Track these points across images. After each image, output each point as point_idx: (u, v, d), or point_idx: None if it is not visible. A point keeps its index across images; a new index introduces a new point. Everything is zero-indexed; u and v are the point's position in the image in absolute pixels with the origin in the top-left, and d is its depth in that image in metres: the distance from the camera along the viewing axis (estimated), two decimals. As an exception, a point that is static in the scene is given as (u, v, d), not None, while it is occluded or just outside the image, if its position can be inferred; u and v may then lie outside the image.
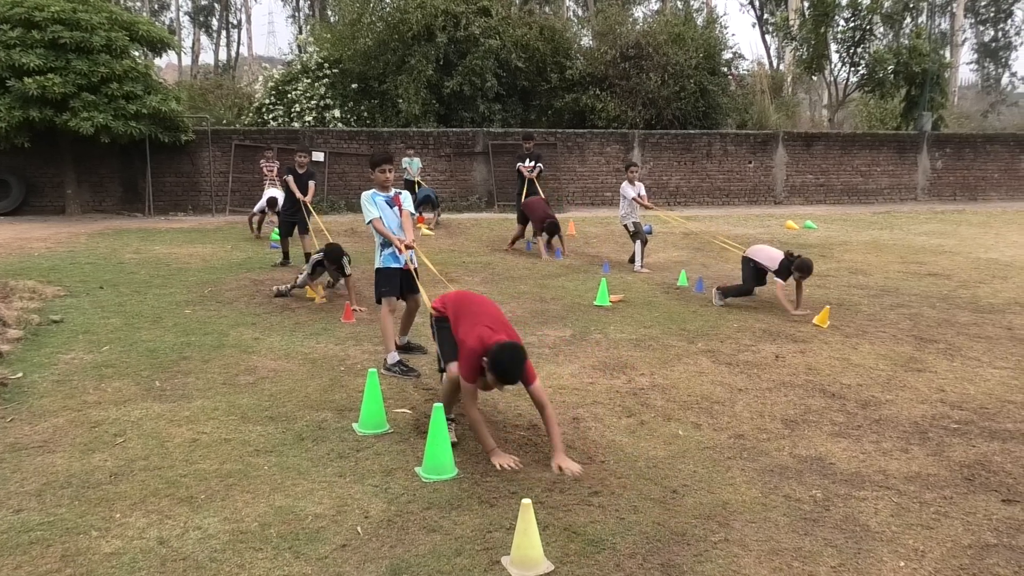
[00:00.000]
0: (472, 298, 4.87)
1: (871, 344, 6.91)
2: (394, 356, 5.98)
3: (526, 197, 13.13)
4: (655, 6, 41.88)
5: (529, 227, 12.41)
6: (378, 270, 6.10)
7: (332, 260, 8.35)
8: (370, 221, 5.98)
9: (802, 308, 8.14)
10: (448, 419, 4.59)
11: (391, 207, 6.06)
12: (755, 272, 8.39)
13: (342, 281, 8.64)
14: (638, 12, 37.41)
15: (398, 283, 6.09)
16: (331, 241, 8.54)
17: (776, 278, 8.15)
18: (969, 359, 6.46)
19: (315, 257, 8.58)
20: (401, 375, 5.85)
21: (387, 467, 4.26)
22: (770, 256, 8.30)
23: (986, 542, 3.52)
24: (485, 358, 4.15)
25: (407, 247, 5.96)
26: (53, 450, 4.44)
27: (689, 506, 3.82)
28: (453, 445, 4.43)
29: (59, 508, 3.76)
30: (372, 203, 6.01)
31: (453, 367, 4.48)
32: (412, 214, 6.22)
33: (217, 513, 3.72)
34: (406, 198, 6.21)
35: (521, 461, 4.27)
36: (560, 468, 4.12)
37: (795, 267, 8.00)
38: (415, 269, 6.07)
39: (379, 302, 6.11)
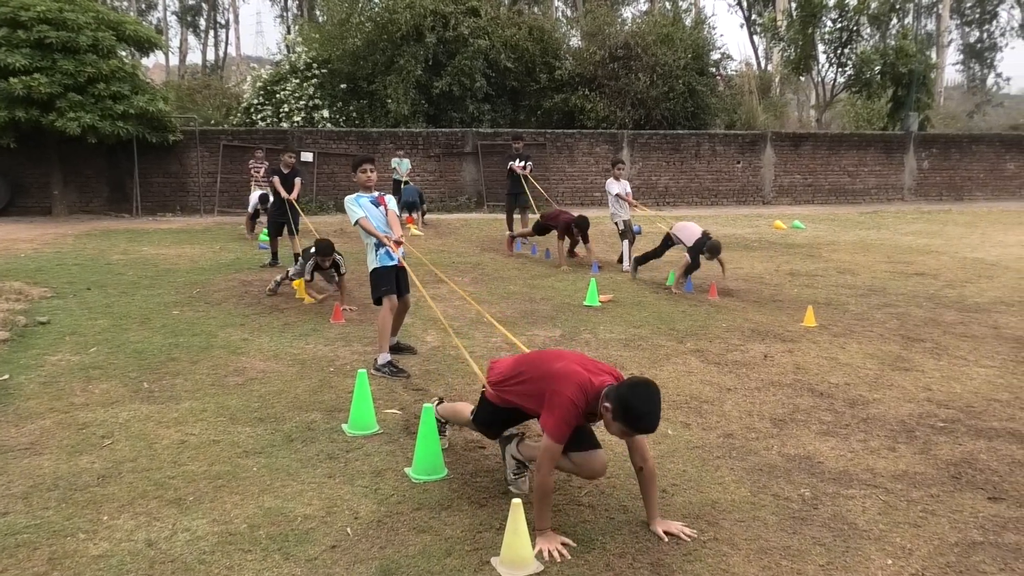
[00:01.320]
0: (540, 352, 4.05)
1: (859, 343, 6.95)
2: (386, 356, 5.97)
3: (523, 202, 13.18)
4: (644, 7, 41.99)
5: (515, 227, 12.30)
6: (374, 271, 6.08)
7: (324, 253, 8.16)
8: (357, 221, 5.97)
9: (725, 277, 9.44)
10: (440, 421, 4.56)
11: (376, 207, 6.07)
12: (666, 242, 9.62)
13: (336, 280, 8.62)
14: (627, 13, 37.55)
15: (395, 281, 6.09)
16: (320, 238, 8.47)
17: (687, 255, 9.03)
18: (955, 358, 6.50)
19: (309, 260, 8.33)
20: (391, 376, 5.84)
21: (377, 468, 4.25)
22: (689, 233, 9.20)
23: (972, 540, 3.55)
24: (607, 404, 3.34)
25: (397, 243, 5.97)
26: (40, 452, 4.41)
27: (678, 505, 3.83)
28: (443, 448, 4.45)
29: (46, 511, 3.73)
30: (356, 204, 6.01)
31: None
32: (397, 214, 6.25)
33: (206, 515, 3.70)
34: (390, 200, 6.24)
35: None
36: (667, 534, 3.51)
37: (706, 248, 8.85)
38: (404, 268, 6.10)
39: (377, 303, 6.10)
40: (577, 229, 11.01)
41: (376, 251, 6.04)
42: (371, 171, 6.14)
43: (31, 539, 3.47)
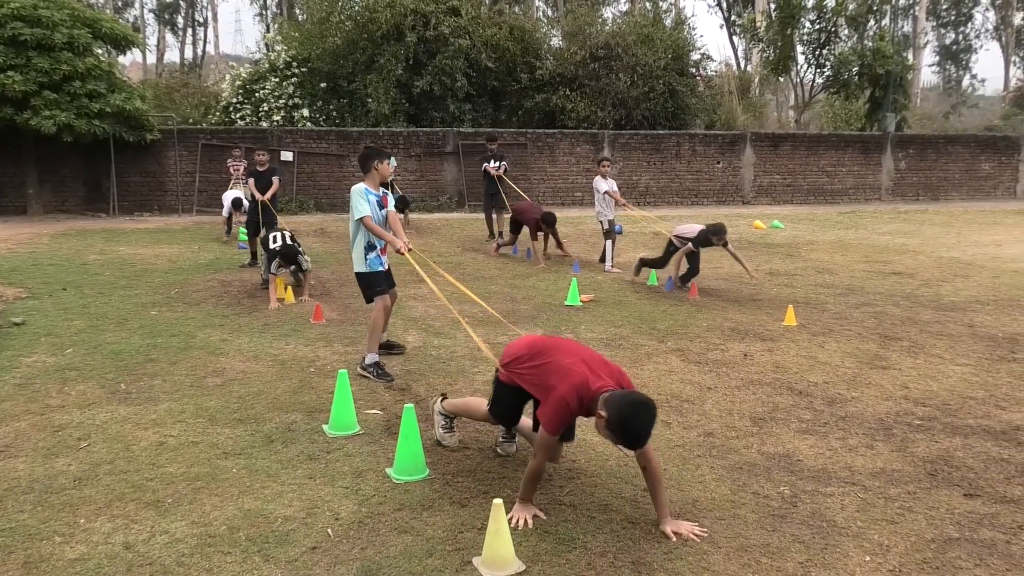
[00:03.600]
0: (552, 339, 4.14)
1: (837, 342, 7.01)
2: (373, 357, 5.91)
3: (495, 201, 13.18)
4: (624, 7, 42.14)
5: (509, 231, 12.26)
6: (361, 275, 5.99)
7: (288, 261, 8.55)
8: (360, 218, 5.78)
9: (754, 273, 9.50)
10: (447, 416, 4.55)
11: (380, 208, 5.94)
12: (669, 247, 9.47)
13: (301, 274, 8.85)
14: (607, 13, 37.62)
15: (385, 282, 6.05)
16: (281, 245, 8.55)
17: (689, 244, 9.09)
18: (932, 356, 6.58)
19: (275, 258, 8.50)
20: (376, 378, 5.80)
21: (358, 468, 4.23)
22: (691, 228, 9.27)
23: (949, 536, 3.59)
24: (603, 412, 3.38)
25: (409, 250, 5.80)
26: (15, 455, 4.36)
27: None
28: (455, 448, 4.47)
29: (21, 514, 3.68)
30: (364, 199, 5.80)
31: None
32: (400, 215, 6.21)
33: (184, 517, 3.67)
34: (391, 199, 6.16)
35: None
36: (676, 534, 3.52)
37: (709, 231, 8.89)
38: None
39: (370, 302, 6.06)
40: (544, 226, 11.13)
41: (367, 254, 5.92)
42: (388, 163, 6.05)
43: (6, 543, 3.42)
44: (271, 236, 8.82)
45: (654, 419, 3.39)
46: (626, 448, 3.48)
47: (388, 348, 6.38)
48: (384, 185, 6.12)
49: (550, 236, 11.42)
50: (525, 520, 3.60)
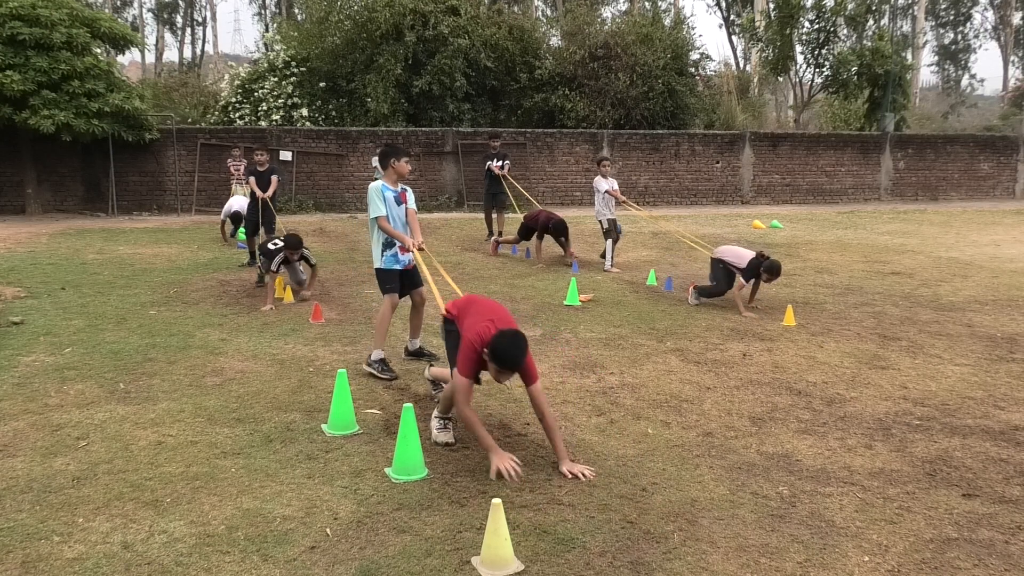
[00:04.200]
0: (479, 300, 4.81)
1: (836, 342, 7.01)
2: (379, 353, 5.90)
3: (495, 201, 13.20)
4: (623, 7, 42.16)
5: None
6: (377, 271, 5.99)
7: (293, 247, 8.26)
8: (376, 217, 5.77)
9: (752, 308, 8.22)
10: (445, 418, 4.59)
11: (399, 204, 5.90)
12: (725, 272, 8.40)
13: (305, 277, 8.73)
14: (606, 12, 37.65)
15: (399, 282, 6.00)
16: (289, 232, 8.46)
17: (740, 277, 8.19)
18: (931, 356, 6.58)
19: (278, 254, 8.33)
20: (380, 373, 5.79)
21: (356, 468, 4.23)
22: (738, 255, 8.33)
23: (947, 536, 3.59)
24: (486, 348, 4.09)
25: (419, 248, 5.81)
26: (13, 454, 4.35)
27: (658, 504, 3.85)
28: (449, 445, 4.48)
29: (19, 513, 3.68)
30: (381, 198, 5.78)
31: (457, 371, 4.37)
32: (415, 211, 6.11)
33: (183, 516, 3.67)
34: (411, 196, 6.07)
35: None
36: (571, 474, 4.09)
37: (764, 268, 8.00)
38: (414, 266, 6.03)
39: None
40: (554, 232, 11.13)
41: (384, 251, 5.89)
42: (407, 162, 5.98)
43: (4, 542, 3.42)
44: (271, 243, 8.65)
45: (521, 344, 4.10)
46: (503, 369, 4.10)
47: (418, 355, 6.28)
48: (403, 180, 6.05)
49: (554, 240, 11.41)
50: (511, 468, 4.02)
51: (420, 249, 5.83)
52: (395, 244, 5.87)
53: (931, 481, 4.17)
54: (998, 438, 4.77)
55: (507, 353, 4.07)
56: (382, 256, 5.92)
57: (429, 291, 6.11)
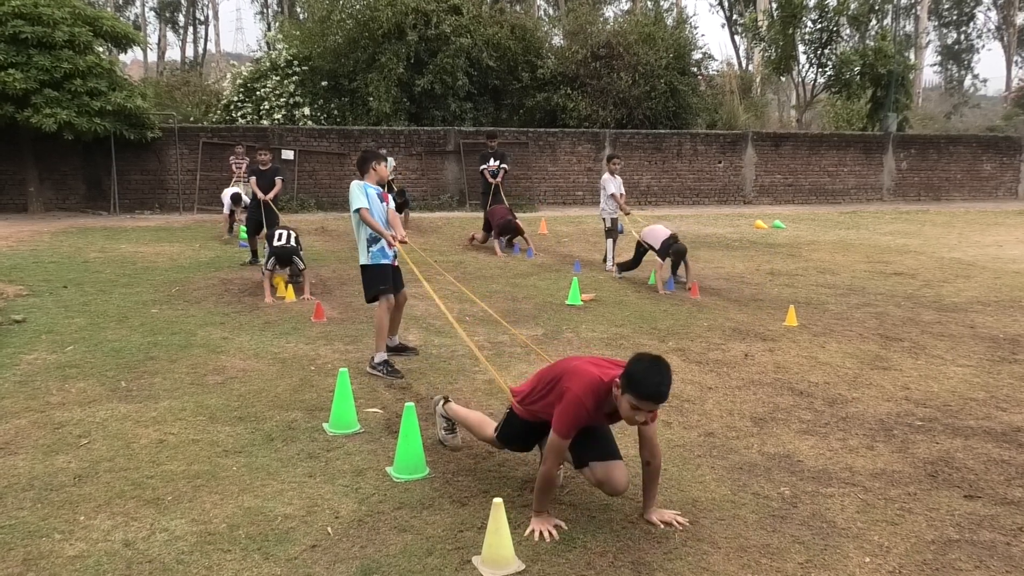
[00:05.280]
0: (558, 364, 3.86)
1: (838, 343, 7.01)
2: (382, 356, 5.91)
3: (491, 204, 13.25)
4: (626, 6, 42.13)
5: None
6: (366, 267, 5.97)
7: (283, 263, 8.73)
8: (357, 209, 5.81)
9: (690, 281, 9.31)
10: (447, 418, 4.53)
11: (381, 201, 5.97)
12: (642, 252, 9.74)
13: (301, 277, 8.91)
14: (609, 12, 37.62)
15: (391, 279, 6.00)
16: (282, 244, 8.69)
17: (656, 257, 9.28)
18: (933, 357, 6.57)
19: (271, 251, 8.68)
20: (386, 375, 5.79)
21: (358, 467, 4.23)
22: (656, 236, 9.42)
23: (949, 537, 3.58)
24: (616, 382, 3.36)
25: (401, 242, 5.88)
26: (15, 452, 4.36)
27: (659, 504, 3.84)
28: (456, 448, 4.46)
29: (21, 511, 3.68)
30: (363, 192, 5.85)
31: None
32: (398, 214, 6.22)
33: (184, 515, 3.67)
34: (390, 199, 6.21)
35: (491, 456, 4.21)
36: (663, 523, 3.62)
37: (672, 251, 9.12)
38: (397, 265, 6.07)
39: (371, 300, 6.04)
40: (500, 234, 12.17)
41: (369, 247, 5.90)
42: (385, 165, 6.14)
43: (6, 540, 3.42)
44: (276, 233, 8.96)
45: (665, 366, 3.31)
46: (649, 404, 3.32)
47: (399, 351, 6.31)
48: (381, 186, 6.13)
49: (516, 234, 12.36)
50: (548, 532, 3.48)
51: (403, 242, 5.90)
52: (381, 238, 5.90)
53: (933, 482, 4.16)
54: (1000, 439, 4.76)
55: (648, 377, 3.28)
56: (368, 251, 5.92)
57: (429, 295, 6.12)
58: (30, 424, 4.77)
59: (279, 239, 8.77)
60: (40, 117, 14.99)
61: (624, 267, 10.18)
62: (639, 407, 3.31)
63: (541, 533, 3.48)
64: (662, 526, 3.59)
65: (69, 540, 3.44)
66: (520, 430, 3.90)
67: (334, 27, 21.56)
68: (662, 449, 4.42)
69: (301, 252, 8.88)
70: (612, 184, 10.64)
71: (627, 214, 10.90)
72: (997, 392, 5.67)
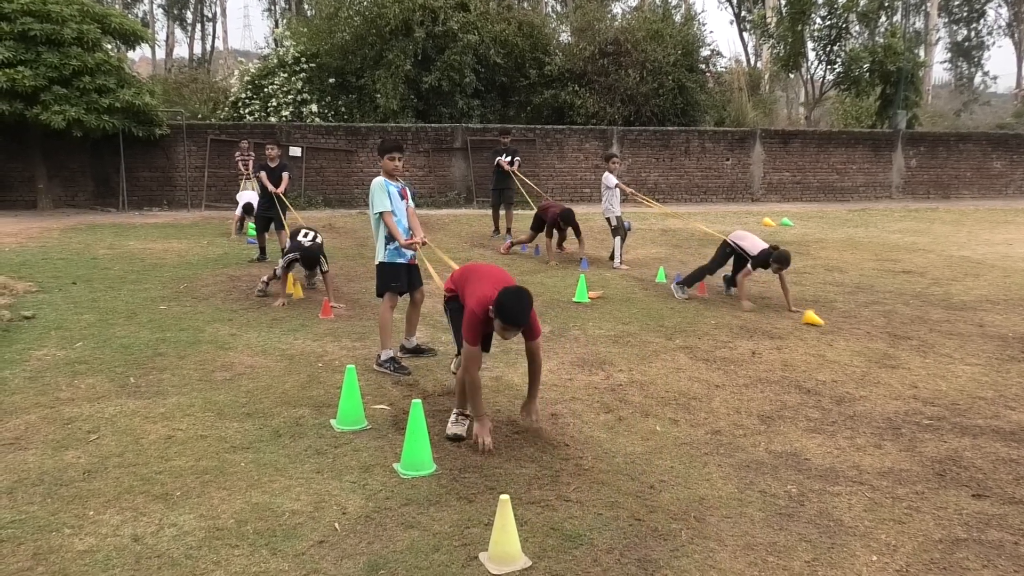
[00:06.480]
0: (477, 267, 4.90)
1: (846, 341, 6.99)
2: (388, 352, 5.91)
3: (509, 199, 13.18)
4: (634, 2, 41.96)
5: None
6: (382, 264, 5.93)
7: (309, 265, 8.28)
8: (380, 213, 5.76)
9: (795, 306, 8.17)
10: (463, 414, 4.60)
11: (401, 199, 5.90)
12: (726, 256, 8.63)
13: (319, 276, 8.58)
14: (617, 8, 37.47)
15: (405, 279, 5.97)
16: (309, 244, 8.33)
17: (748, 265, 8.34)
18: (941, 356, 6.55)
19: (290, 256, 8.24)
20: (393, 372, 5.80)
21: (365, 463, 4.24)
22: (754, 244, 8.43)
23: (956, 536, 3.57)
24: (491, 307, 4.21)
25: (423, 243, 5.83)
26: (25, 447, 4.38)
27: (666, 501, 3.85)
28: (460, 438, 4.49)
29: (31, 506, 3.71)
30: (385, 192, 5.78)
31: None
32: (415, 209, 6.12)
33: (193, 510, 3.69)
34: (408, 193, 6.07)
35: (497, 451, 4.36)
36: (525, 415, 4.59)
37: (774, 258, 8.07)
38: (416, 263, 6.03)
39: (380, 295, 6.03)
40: (562, 222, 11.02)
41: (387, 244, 5.86)
42: (399, 159, 5.92)
43: (16, 534, 3.44)
44: (302, 231, 8.54)
45: (526, 299, 4.22)
46: (508, 326, 4.22)
47: (417, 353, 6.25)
48: (391, 179, 6.02)
49: (567, 233, 11.35)
50: (484, 440, 4.30)
51: (423, 244, 5.85)
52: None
53: (940, 481, 4.15)
54: (1008, 438, 4.75)
55: (512, 309, 4.18)
56: (386, 249, 5.88)
57: (439, 287, 6.13)
58: (40, 420, 4.80)
59: (305, 236, 8.40)
60: (49, 114, 15.06)
61: (691, 280, 8.79)
62: (506, 328, 4.25)
63: (484, 439, 4.31)
64: (522, 417, 4.64)
65: (79, 535, 3.46)
66: (457, 314, 4.71)
67: (341, 24, 21.57)
68: (668, 446, 4.42)
69: (324, 254, 8.60)
70: (613, 179, 10.65)
71: (631, 194, 10.84)
72: (1006, 391, 5.65)
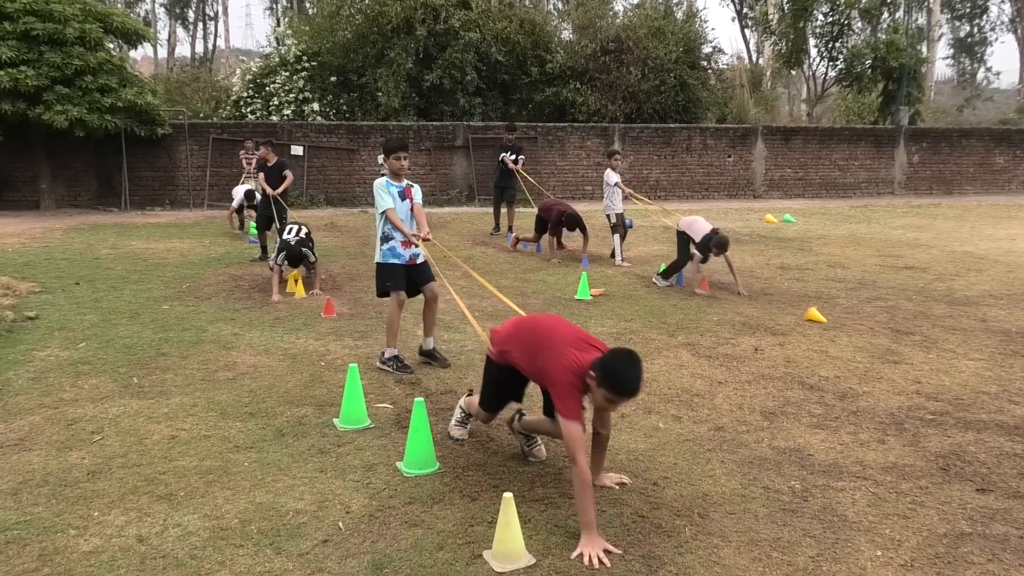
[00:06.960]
0: (532, 322, 4.09)
1: (849, 336, 6.98)
2: (392, 351, 5.91)
3: (510, 197, 13.16)
4: (635, 0, 41.88)
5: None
6: (378, 265, 5.94)
7: (294, 264, 8.61)
8: (384, 211, 5.75)
9: (742, 287, 8.71)
10: (466, 414, 4.57)
11: (403, 200, 5.86)
12: (684, 244, 9.11)
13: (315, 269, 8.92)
14: (618, 6, 37.40)
15: (404, 278, 5.94)
16: (295, 242, 8.56)
17: (694, 250, 8.77)
18: (944, 351, 6.54)
19: (281, 256, 8.57)
20: (395, 371, 5.80)
21: (368, 462, 4.25)
22: (699, 229, 8.90)
23: (961, 531, 3.57)
24: (592, 372, 3.45)
25: (424, 239, 5.78)
26: (29, 448, 4.39)
27: (669, 498, 3.85)
28: (460, 440, 4.49)
29: (36, 507, 3.72)
30: (387, 192, 5.76)
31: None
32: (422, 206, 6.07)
33: (197, 510, 3.69)
34: (416, 191, 5.99)
35: (499, 449, 4.26)
36: (606, 484, 3.94)
37: (713, 243, 8.52)
38: (425, 260, 5.98)
39: (381, 295, 6.03)
40: (567, 228, 11.00)
41: (382, 245, 5.85)
42: (404, 159, 5.85)
43: (21, 536, 3.45)
44: (288, 227, 8.96)
45: (639, 363, 3.42)
46: (624, 400, 3.51)
47: (431, 358, 6.15)
48: (396, 177, 5.99)
49: (571, 232, 11.31)
50: (597, 556, 3.28)
51: (426, 240, 5.79)
52: (393, 237, 5.83)
53: (944, 476, 4.15)
54: (1012, 433, 4.74)
55: (628, 377, 3.39)
56: (381, 250, 5.88)
57: (441, 285, 6.13)
58: (44, 420, 4.81)
59: (290, 232, 8.73)
60: (51, 114, 15.07)
61: (670, 272, 9.28)
62: (614, 401, 3.48)
63: (594, 558, 3.27)
64: (609, 485, 3.94)
65: (83, 535, 3.47)
66: (494, 375, 4.12)
67: (343, 22, 21.57)
68: (672, 443, 4.42)
69: (312, 246, 8.85)
70: (615, 176, 10.66)
71: (630, 195, 10.85)
72: (1009, 386, 5.64)
